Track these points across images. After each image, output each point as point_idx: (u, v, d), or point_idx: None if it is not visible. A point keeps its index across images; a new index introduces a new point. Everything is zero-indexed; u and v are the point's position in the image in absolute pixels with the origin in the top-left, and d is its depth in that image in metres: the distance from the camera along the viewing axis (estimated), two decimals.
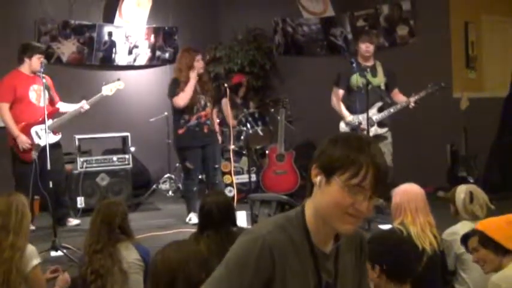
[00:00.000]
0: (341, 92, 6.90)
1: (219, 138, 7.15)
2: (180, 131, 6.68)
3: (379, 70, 6.91)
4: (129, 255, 3.92)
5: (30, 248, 3.82)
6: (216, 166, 6.89)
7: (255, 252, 1.81)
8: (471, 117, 7.38)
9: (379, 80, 6.87)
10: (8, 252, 3.65)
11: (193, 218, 6.53)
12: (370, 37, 6.94)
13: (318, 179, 1.87)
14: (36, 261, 3.82)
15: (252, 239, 1.84)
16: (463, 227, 3.85)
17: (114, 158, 7.65)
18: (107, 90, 6.71)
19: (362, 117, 6.54)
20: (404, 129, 7.16)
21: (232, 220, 4.13)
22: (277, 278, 1.83)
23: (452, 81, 7.93)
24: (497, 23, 8.43)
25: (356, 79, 6.69)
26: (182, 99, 6.56)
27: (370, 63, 6.91)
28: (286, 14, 9.74)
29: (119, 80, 6.84)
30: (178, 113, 6.69)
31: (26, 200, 3.97)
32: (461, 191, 4.08)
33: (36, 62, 6.39)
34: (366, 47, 6.83)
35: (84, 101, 6.64)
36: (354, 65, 6.47)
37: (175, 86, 6.65)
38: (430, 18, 8.16)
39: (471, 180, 7.01)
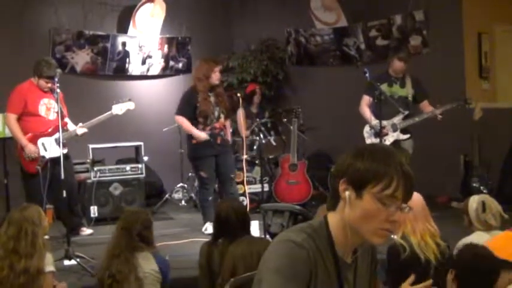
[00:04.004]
0: (369, 99, 7.05)
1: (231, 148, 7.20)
2: (194, 141, 6.72)
3: (408, 82, 7.16)
4: (147, 265, 3.94)
5: (47, 256, 3.86)
6: (232, 175, 6.92)
7: (301, 260, 1.84)
8: (485, 128, 7.35)
9: (407, 91, 7.15)
10: (23, 278, 3.70)
11: (209, 227, 6.50)
12: (406, 57, 7.19)
13: (346, 193, 1.88)
14: (49, 268, 3.86)
15: (295, 246, 1.85)
16: (477, 238, 3.82)
17: (127, 167, 7.68)
18: (117, 109, 6.74)
19: (386, 122, 6.85)
20: (418, 140, 7.14)
21: (247, 228, 4.14)
22: (311, 285, 1.87)
23: (466, 92, 7.90)
24: (510, 33, 8.40)
25: (384, 88, 6.97)
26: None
27: (400, 75, 7.17)
28: (299, 24, 9.76)
29: (130, 100, 6.86)
30: (193, 123, 6.73)
31: (39, 211, 4.01)
32: (474, 201, 4.05)
33: (42, 84, 6.43)
34: (400, 67, 7.09)
35: (80, 124, 6.63)
36: (367, 74, 6.60)
37: (185, 103, 6.78)
38: (443, 28, 8.15)
39: (484, 191, 6.98)
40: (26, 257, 3.75)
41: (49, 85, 6.37)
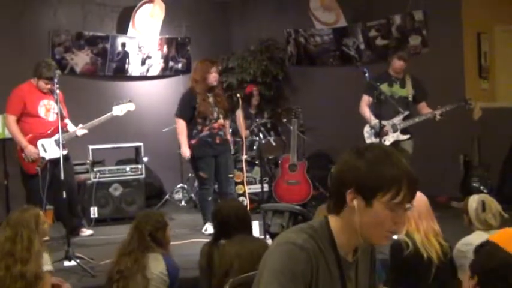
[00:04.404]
0: (368, 98, 7.04)
1: (231, 148, 7.18)
2: (193, 141, 6.72)
3: (408, 82, 7.17)
4: (156, 266, 3.97)
5: (44, 257, 3.87)
6: (230, 175, 6.91)
7: (302, 262, 1.85)
8: (485, 128, 7.36)
9: (407, 91, 7.16)
10: (20, 283, 3.70)
11: (209, 228, 6.50)
12: (406, 56, 7.18)
13: (355, 202, 1.90)
14: (47, 268, 3.87)
15: (295, 248, 1.87)
16: (477, 237, 3.82)
17: (127, 168, 7.69)
18: (118, 110, 6.75)
19: (386, 122, 6.87)
20: (418, 140, 7.14)
21: (249, 228, 4.14)
22: (313, 285, 1.88)
23: (465, 91, 7.91)
24: (510, 33, 8.39)
25: (384, 88, 6.98)
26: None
27: (400, 76, 7.18)
28: (299, 24, 9.75)
29: (130, 101, 6.88)
30: (192, 123, 6.73)
31: (37, 215, 4.01)
32: (474, 201, 4.06)
33: (41, 85, 6.44)
34: (400, 65, 7.09)
35: (80, 125, 6.66)
36: (367, 74, 6.64)
37: (184, 104, 6.79)
38: (442, 28, 8.15)
39: (484, 191, 6.98)
40: (21, 262, 3.75)
41: (48, 86, 6.37)
